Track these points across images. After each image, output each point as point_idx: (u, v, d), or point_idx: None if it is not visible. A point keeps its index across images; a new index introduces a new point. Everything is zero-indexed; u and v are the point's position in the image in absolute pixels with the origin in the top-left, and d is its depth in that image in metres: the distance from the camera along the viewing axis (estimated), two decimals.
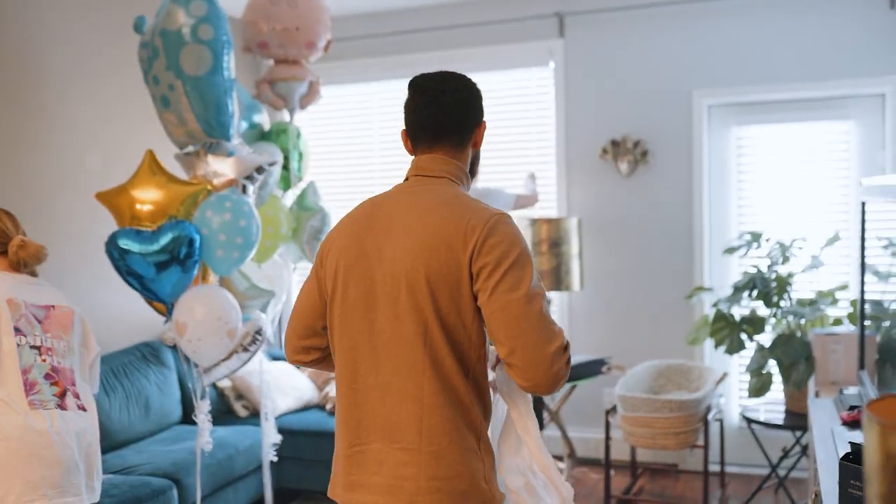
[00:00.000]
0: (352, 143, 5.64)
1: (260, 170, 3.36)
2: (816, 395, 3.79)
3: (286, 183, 4.08)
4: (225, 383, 4.79)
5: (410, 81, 1.87)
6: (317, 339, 1.87)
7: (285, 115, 4.29)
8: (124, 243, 2.70)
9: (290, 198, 4.09)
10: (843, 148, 4.63)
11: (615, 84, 4.96)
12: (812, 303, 4.04)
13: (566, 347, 1.68)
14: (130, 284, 2.82)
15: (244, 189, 3.27)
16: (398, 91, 5.53)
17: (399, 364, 1.71)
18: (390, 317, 1.71)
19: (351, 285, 1.76)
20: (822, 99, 4.64)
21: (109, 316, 4.26)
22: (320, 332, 1.86)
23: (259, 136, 3.90)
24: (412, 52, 5.36)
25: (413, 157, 1.88)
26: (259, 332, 3.26)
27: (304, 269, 4.96)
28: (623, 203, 4.96)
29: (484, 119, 1.90)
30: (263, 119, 3.92)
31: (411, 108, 1.86)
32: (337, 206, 5.64)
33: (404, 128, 1.88)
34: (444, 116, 1.82)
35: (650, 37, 4.86)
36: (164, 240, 2.73)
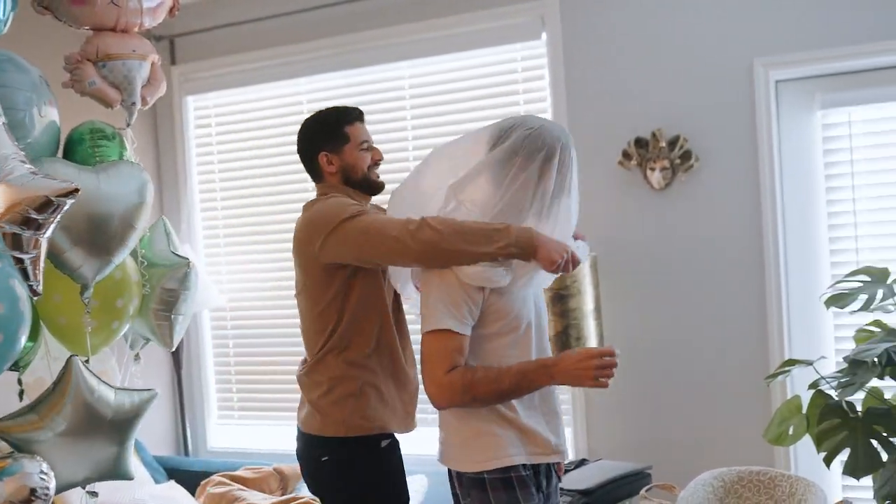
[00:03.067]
0: (263, 158, 4.13)
1: (46, 205, 1.83)
2: None
3: None
4: None
5: None
6: None
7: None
8: None
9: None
10: None
11: (637, 59, 3.39)
12: None
13: None
14: None
15: (17, 243, 1.76)
16: (336, 87, 3.98)
17: None
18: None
19: None
20: None
21: None
22: None
23: (53, 145, 2.35)
24: (348, 31, 3.84)
25: None
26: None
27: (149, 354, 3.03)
28: (657, 230, 3.36)
29: (318, 151, 2.45)
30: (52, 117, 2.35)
31: None
32: (230, 251, 4.25)
33: None
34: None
35: None
36: None
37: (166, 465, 3.73)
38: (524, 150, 1.99)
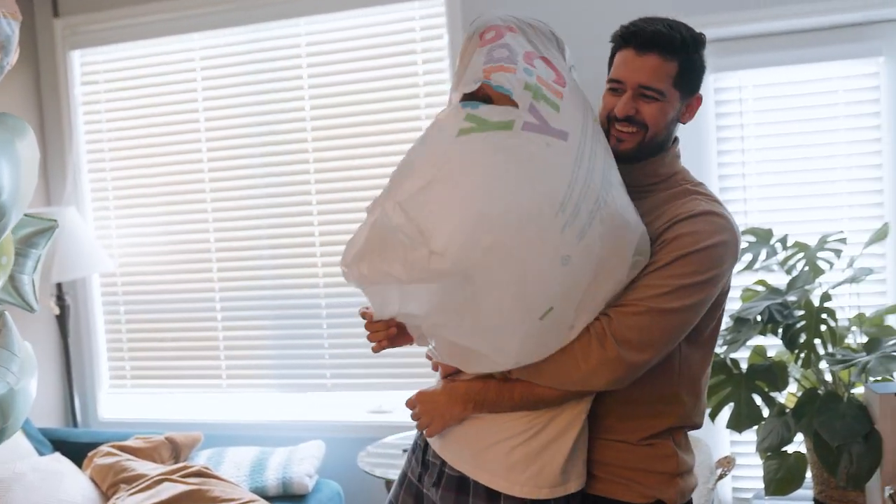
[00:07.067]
0: (148, 119, 3.97)
1: None
2: (893, 498, 2.28)
3: None
4: None
5: None
6: None
7: None
8: None
9: None
10: (872, 97, 3.14)
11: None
12: (872, 343, 2.51)
13: None
14: None
15: None
16: (230, 44, 3.84)
17: None
18: None
19: None
20: (840, 27, 3.13)
21: None
22: None
23: None
24: None
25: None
26: None
27: (31, 321, 2.64)
28: None
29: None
30: None
31: None
32: (121, 214, 4.04)
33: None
34: None
35: None
36: None
37: (52, 436, 3.57)
38: None
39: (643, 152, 1.67)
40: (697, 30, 3.19)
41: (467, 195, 1.42)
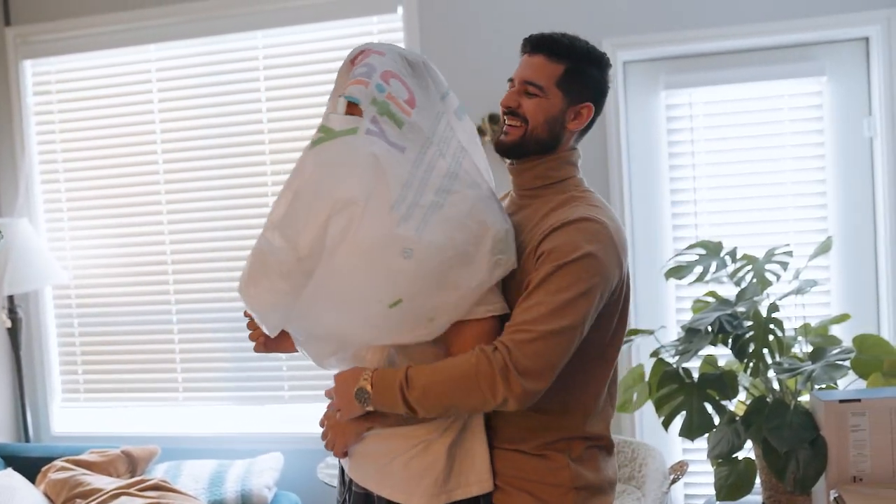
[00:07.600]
0: (110, 134, 3.94)
1: None
2: (837, 501, 2.36)
3: None
4: None
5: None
6: None
7: None
8: None
9: None
10: (816, 115, 3.26)
11: (491, 35, 3.43)
12: (817, 352, 2.60)
13: None
14: None
15: None
16: (187, 56, 3.84)
17: None
18: None
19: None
20: (785, 47, 3.25)
21: None
22: None
23: None
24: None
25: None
26: None
27: None
28: None
29: None
30: None
31: None
32: (75, 226, 3.97)
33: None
34: None
35: None
36: None
37: (3, 452, 3.51)
38: None
39: (525, 147, 1.76)
40: (649, 48, 3.29)
41: (320, 193, 1.53)
